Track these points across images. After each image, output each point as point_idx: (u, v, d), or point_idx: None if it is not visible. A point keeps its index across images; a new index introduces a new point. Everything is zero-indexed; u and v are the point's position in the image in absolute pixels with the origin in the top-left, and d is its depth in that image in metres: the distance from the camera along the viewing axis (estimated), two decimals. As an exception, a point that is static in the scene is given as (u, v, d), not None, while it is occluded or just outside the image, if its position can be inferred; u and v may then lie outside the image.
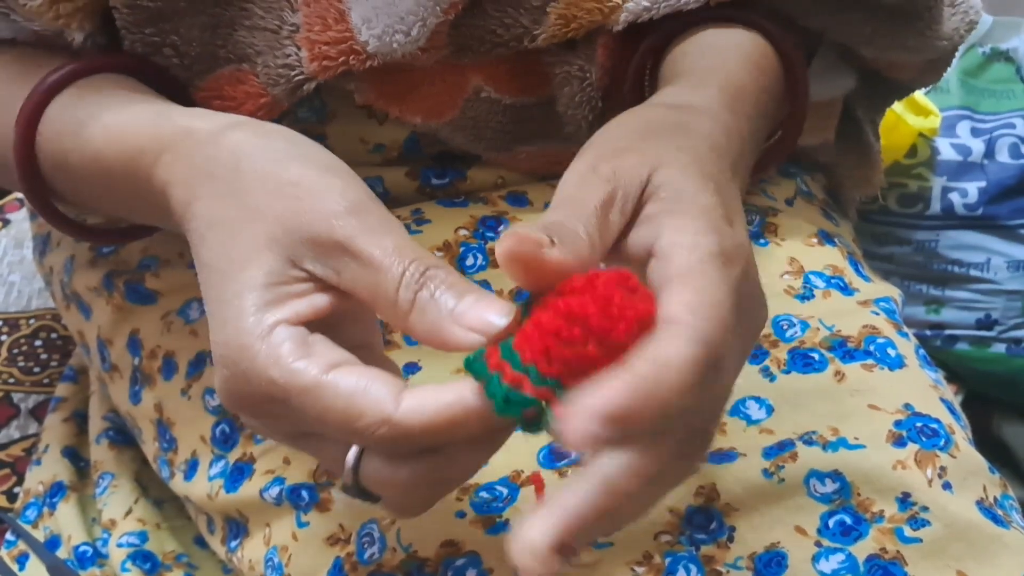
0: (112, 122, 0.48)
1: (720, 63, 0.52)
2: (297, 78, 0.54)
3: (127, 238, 0.60)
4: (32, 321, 0.88)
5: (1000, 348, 0.98)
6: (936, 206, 0.98)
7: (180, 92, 0.56)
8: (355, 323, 0.42)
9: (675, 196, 0.39)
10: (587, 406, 0.33)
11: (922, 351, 0.59)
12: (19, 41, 0.55)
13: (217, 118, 0.46)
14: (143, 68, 0.55)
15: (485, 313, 0.37)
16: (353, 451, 0.39)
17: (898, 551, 0.49)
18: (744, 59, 0.53)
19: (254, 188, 0.41)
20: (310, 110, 0.60)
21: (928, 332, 0.98)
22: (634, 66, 0.58)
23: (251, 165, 0.42)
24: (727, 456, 0.51)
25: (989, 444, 0.93)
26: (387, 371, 0.39)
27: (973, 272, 0.98)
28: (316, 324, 0.39)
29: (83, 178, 0.51)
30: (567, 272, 0.36)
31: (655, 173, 0.40)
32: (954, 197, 0.98)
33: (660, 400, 0.33)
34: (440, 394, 0.36)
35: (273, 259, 0.39)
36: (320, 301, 0.40)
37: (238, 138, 0.43)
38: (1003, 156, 0.98)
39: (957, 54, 0.66)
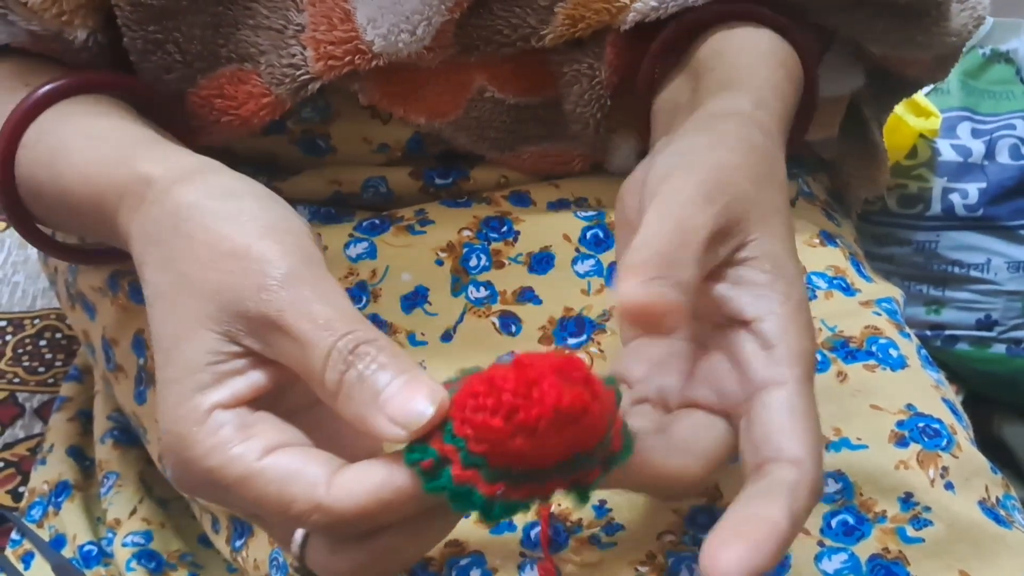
0: (79, 160, 0.47)
1: (767, 74, 0.52)
2: (302, 78, 0.54)
3: (111, 259, 0.60)
4: (37, 321, 0.88)
5: (1000, 349, 0.98)
6: (936, 207, 0.98)
7: (171, 108, 0.56)
8: (302, 384, 0.40)
9: (777, 277, 0.40)
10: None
11: (924, 351, 0.59)
12: (12, 47, 0.55)
13: (177, 161, 0.44)
14: (132, 86, 0.54)
15: (411, 401, 0.35)
16: (299, 534, 0.38)
17: (900, 551, 0.49)
18: (785, 73, 0.53)
19: (190, 258, 0.39)
20: (314, 110, 0.60)
21: (928, 332, 0.98)
22: (648, 62, 0.57)
23: (189, 230, 0.40)
24: (730, 456, 0.51)
25: (989, 445, 0.93)
26: (338, 434, 0.38)
27: (973, 273, 0.98)
28: (260, 398, 0.38)
29: (56, 211, 0.51)
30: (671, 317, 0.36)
31: (761, 236, 0.40)
32: (954, 198, 0.98)
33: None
34: (370, 474, 0.35)
35: (209, 337, 0.38)
36: (259, 379, 0.38)
37: (182, 197, 0.41)
38: (1003, 157, 0.98)
39: (959, 54, 0.66)
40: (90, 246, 0.59)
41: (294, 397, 0.40)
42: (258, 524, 0.41)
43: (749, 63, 0.52)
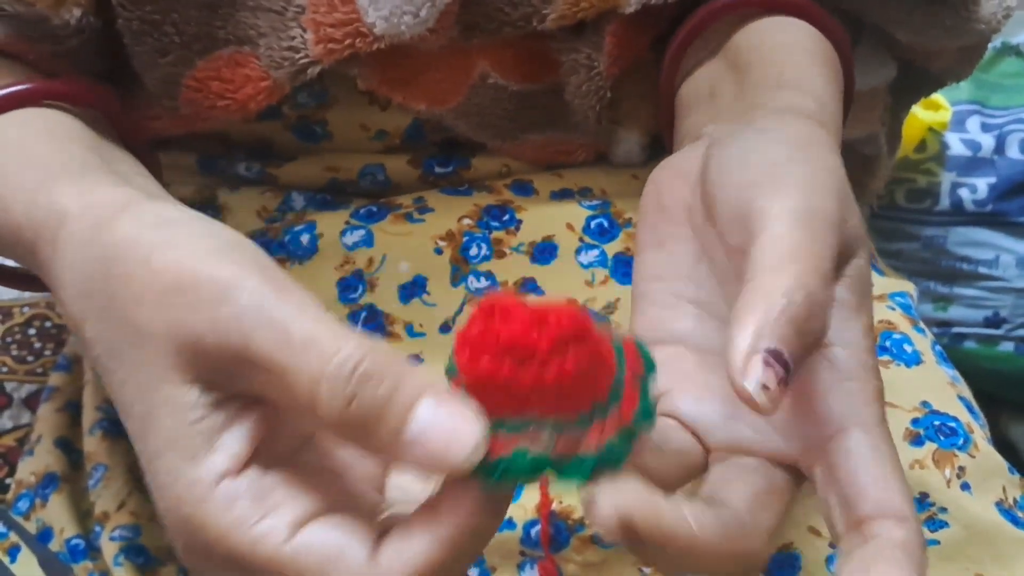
0: (5, 187, 0.43)
1: (820, 74, 0.49)
2: (302, 61, 0.53)
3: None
4: (26, 309, 0.88)
5: (1008, 347, 0.98)
6: (945, 202, 0.98)
7: (134, 122, 0.53)
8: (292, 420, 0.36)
9: (863, 302, 0.36)
10: None
11: (938, 347, 0.58)
12: None
13: (104, 196, 0.40)
14: (90, 100, 0.51)
15: (455, 432, 0.30)
16: None
17: None
18: (833, 73, 0.51)
19: (132, 303, 0.34)
20: (310, 95, 0.59)
21: (935, 330, 0.98)
22: (676, 48, 0.55)
23: (127, 270, 0.35)
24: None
25: (996, 444, 0.93)
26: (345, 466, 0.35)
27: (982, 269, 0.98)
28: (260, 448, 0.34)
29: None
30: None
31: (860, 257, 0.37)
32: (963, 193, 0.97)
33: None
34: (416, 543, 0.32)
35: (181, 393, 0.33)
36: (252, 427, 0.33)
37: (112, 235, 0.36)
38: (1013, 152, 0.98)
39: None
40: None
41: (289, 435, 0.36)
42: None
43: (799, 61, 0.50)
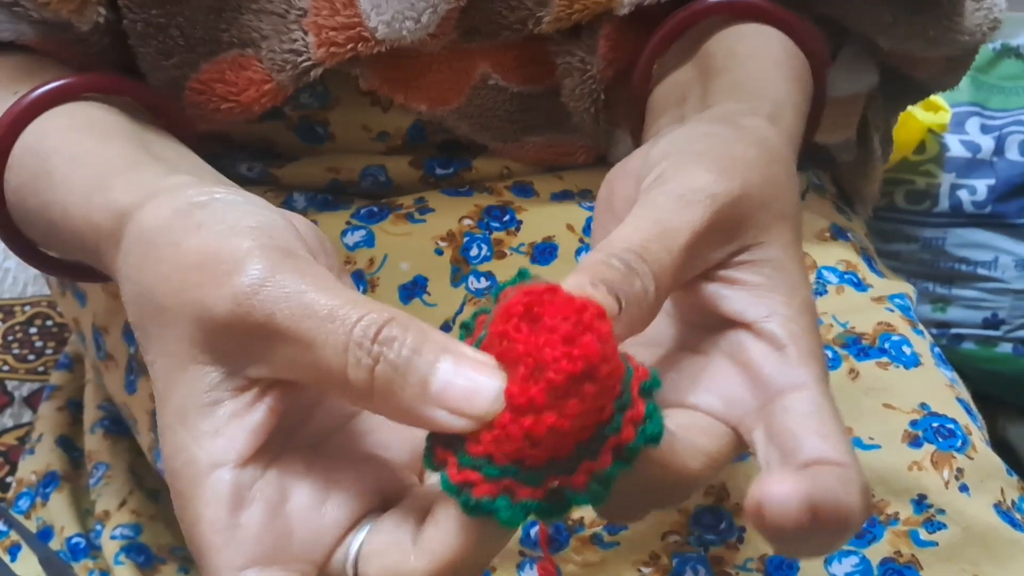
0: (62, 190, 0.43)
1: (784, 86, 0.50)
2: (304, 64, 0.53)
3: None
4: (27, 308, 0.88)
5: (1007, 348, 0.98)
6: (944, 203, 0.98)
7: (169, 107, 0.53)
8: (323, 408, 0.36)
9: (777, 280, 0.37)
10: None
11: (937, 349, 0.58)
12: (16, 45, 0.53)
13: (153, 184, 0.40)
14: (125, 89, 0.52)
15: (473, 383, 0.31)
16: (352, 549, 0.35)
17: (913, 554, 0.48)
18: (800, 86, 0.51)
19: (163, 286, 0.35)
20: (312, 96, 0.59)
21: (934, 331, 0.98)
22: (651, 51, 0.56)
23: (160, 255, 0.35)
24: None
25: (995, 446, 0.93)
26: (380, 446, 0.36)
27: (980, 271, 0.98)
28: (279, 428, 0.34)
29: (51, 242, 0.48)
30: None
31: (765, 243, 0.38)
32: (962, 194, 0.97)
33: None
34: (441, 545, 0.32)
35: (197, 371, 0.34)
36: (264, 420, 0.34)
37: (147, 222, 0.37)
38: (1012, 153, 0.98)
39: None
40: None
41: (319, 421, 0.36)
42: None
43: (764, 70, 0.51)
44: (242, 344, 0.33)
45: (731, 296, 0.37)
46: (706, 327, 0.38)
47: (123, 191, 0.40)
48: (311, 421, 0.36)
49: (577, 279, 0.33)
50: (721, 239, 0.37)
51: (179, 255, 0.35)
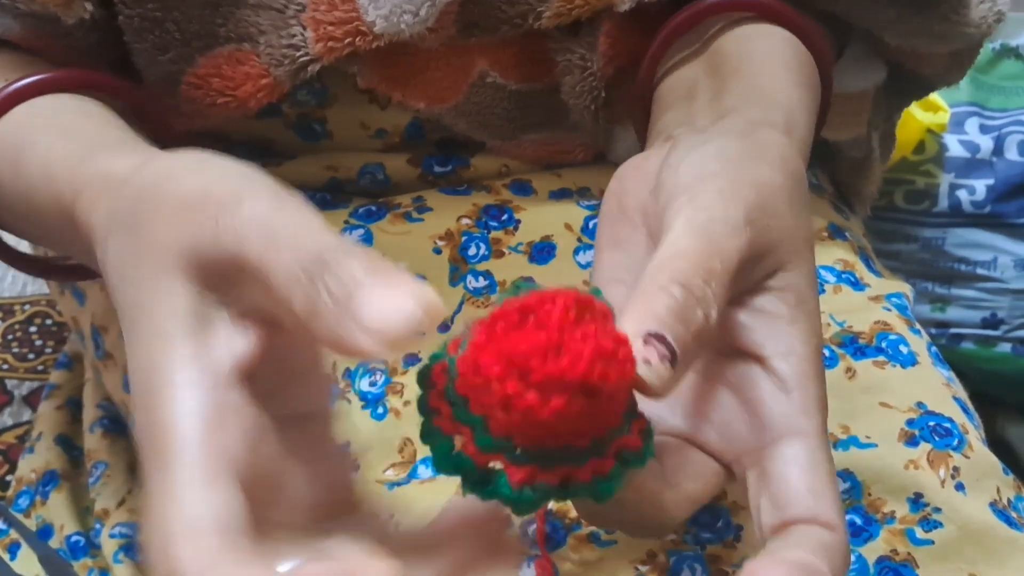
0: (45, 155, 0.43)
1: (796, 92, 0.50)
2: (302, 59, 0.53)
3: (77, 274, 0.56)
4: (27, 307, 0.88)
5: (1006, 348, 0.98)
6: (943, 203, 0.98)
7: (158, 113, 0.53)
8: (299, 378, 0.35)
9: (800, 314, 0.37)
10: None
11: (934, 348, 0.59)
12: (1, 42, 0.53)
13: (140, 155, 0.41)
14: (117, 88, 0.52)
15: (387, 299, 0.29)
16: None
17: (909, 553, 0.48)
18: (811, 93, 0.51)
19: (155, 222, 0.34)
20: (310, 93, 0.59)
21: (933, 331, 0.98)
22: (658, 47, 0.56)
23: (160, 196, 0.35)
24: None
25: (993, 445, 0.93)
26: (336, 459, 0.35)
27: (980, 270, 0.98)
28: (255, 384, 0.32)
29: (18, 213, 0.47)
30: None
31: (792, 267, 0.37)
32: (962, 194, 0.97)
33: None
34: None
35: (174, 285, 0.32)
36: (245, 343, 0.32)
37: (152, 169, 0.36)
38: (1012, 154, 0.98)
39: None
40: (58, 259, 0.56)
41: (287, 404, 0.34)
42: None
43: (777, 75, 0.50)
44: (223, 277, 0.32)
45: (751, 326, 0.37)
46: (716, 349, 0.38)
47: (116, 162, 0.40)
48: (279, 399, 0.34)
49: (634, 323, 0.33)
50: (752, 266, 0.37)
51: (174, 196, 0.34)
